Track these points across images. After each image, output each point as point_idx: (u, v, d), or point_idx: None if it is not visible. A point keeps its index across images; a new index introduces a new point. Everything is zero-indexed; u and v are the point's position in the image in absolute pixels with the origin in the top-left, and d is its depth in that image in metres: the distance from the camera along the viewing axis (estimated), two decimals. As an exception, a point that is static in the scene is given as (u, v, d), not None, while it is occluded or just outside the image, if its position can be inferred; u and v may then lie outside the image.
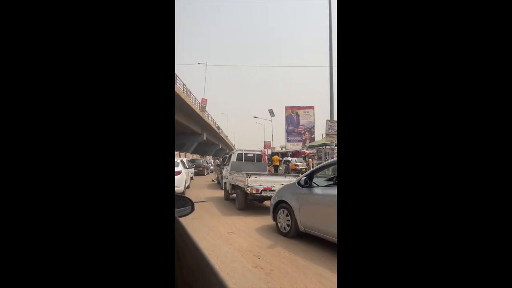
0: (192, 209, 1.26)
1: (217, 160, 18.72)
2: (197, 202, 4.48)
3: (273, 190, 5.03)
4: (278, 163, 13.99)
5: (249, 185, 5.22)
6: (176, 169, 7.15)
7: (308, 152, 21.85)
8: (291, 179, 5.28)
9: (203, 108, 25.10)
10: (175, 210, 1.15)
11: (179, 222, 0.56)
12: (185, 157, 17.41)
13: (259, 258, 2.78)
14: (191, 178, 12.61)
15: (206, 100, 27.25)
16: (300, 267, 2.58)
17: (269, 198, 5.04)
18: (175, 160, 7.98)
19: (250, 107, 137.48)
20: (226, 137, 44.51)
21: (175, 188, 6.89)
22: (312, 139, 30.09)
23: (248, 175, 5.35)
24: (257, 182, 5.27)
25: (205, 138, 28.01)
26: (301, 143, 31.07)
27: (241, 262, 2.69)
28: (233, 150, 10.39)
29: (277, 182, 5.28)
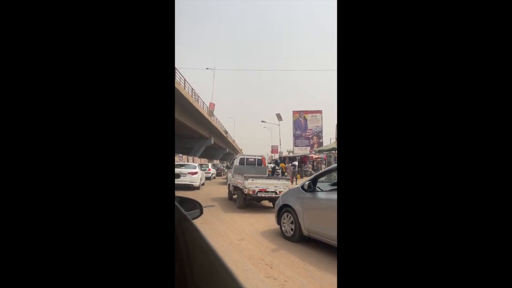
0: (201, 212, 1.28)
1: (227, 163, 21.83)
2: (205, 207, 4.94)
3: (268, 191, 5.91)
4: (284, 170, 14.60)
5: (246, 186, 5.87)
6: (194, 170, 10.01)
7: (316, 156, 21.64)
8: (284, 182, 6.20)
9: (210, 113, 25.19)
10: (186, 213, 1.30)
11: (191, 224, 0.55)
12: (212, 162, 22.88)
13: (271, 268, 2.66)
14: (214, 177, 17.23)
15: (214, 104, 27.38)
16: (316, 278, 2.45)
17: (265, 198, 6.12)
18: (194, 163, 11.76)
19: (257, 111, 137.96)
20: (233, 141, 44.58)
21: (193, 183, 9.67)
22: (320, 144, 29.81)
23: (246, 178, 5.95)
24: (253, 184, 5.91)
25: (212, 142, 28.07)
26: (308, 148, 30.82)
27: (254, 271, 2.57)
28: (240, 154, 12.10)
29: (271, 185, 6.00)
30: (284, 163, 16.14)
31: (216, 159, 36.54)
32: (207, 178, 14.05)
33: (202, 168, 12.60)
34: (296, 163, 15.53)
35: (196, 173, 9.88)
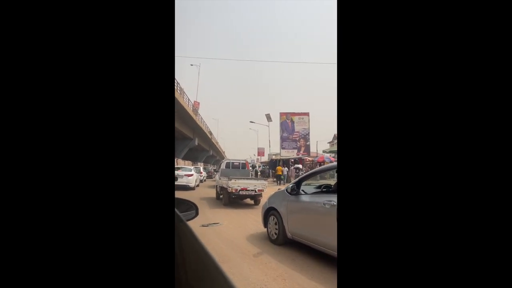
0: (197, 213, 1.26)
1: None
2: (208, 225, 4.75)
3: (248, 190, 7.01)
4: (280, 173, 15.44)
5: (230, 186, 6.93)
6: (190, 172, 11.53)
7: (310, 159, 20.77)
8: (262, 182, 7.53)
9: (195, 111, 23.32)
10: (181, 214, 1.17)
11: (186, 226, 0.55)
12: (203, 166, 24.44)
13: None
14: (205, 180, 18.00)
15: (199, 103, 25.60)
16: None
17: (246, 196, 7.28)
18: (190, 167, 13.23)
19: (243, 113, 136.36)
20: (217, 143, 42.66)
21: (189, 184, 11.07)
22: (307, 146, 28.98)
23: (230, 178, 7.04)
24: (236, 184, 6.97)
25: (196, 144, 26.14)
26: (296, 150, 29.87)
27: None
28: (223, 156, 13.34)
29: (251, 184, 7.17)
30: (280, 166, 14.95)
31: (200, 162, 34.48)
32: (200, 181, 15.12)
33: (196, 171, 14.03)
34: (300, 166, 14.32)
35: (192, 175, 11.50)
